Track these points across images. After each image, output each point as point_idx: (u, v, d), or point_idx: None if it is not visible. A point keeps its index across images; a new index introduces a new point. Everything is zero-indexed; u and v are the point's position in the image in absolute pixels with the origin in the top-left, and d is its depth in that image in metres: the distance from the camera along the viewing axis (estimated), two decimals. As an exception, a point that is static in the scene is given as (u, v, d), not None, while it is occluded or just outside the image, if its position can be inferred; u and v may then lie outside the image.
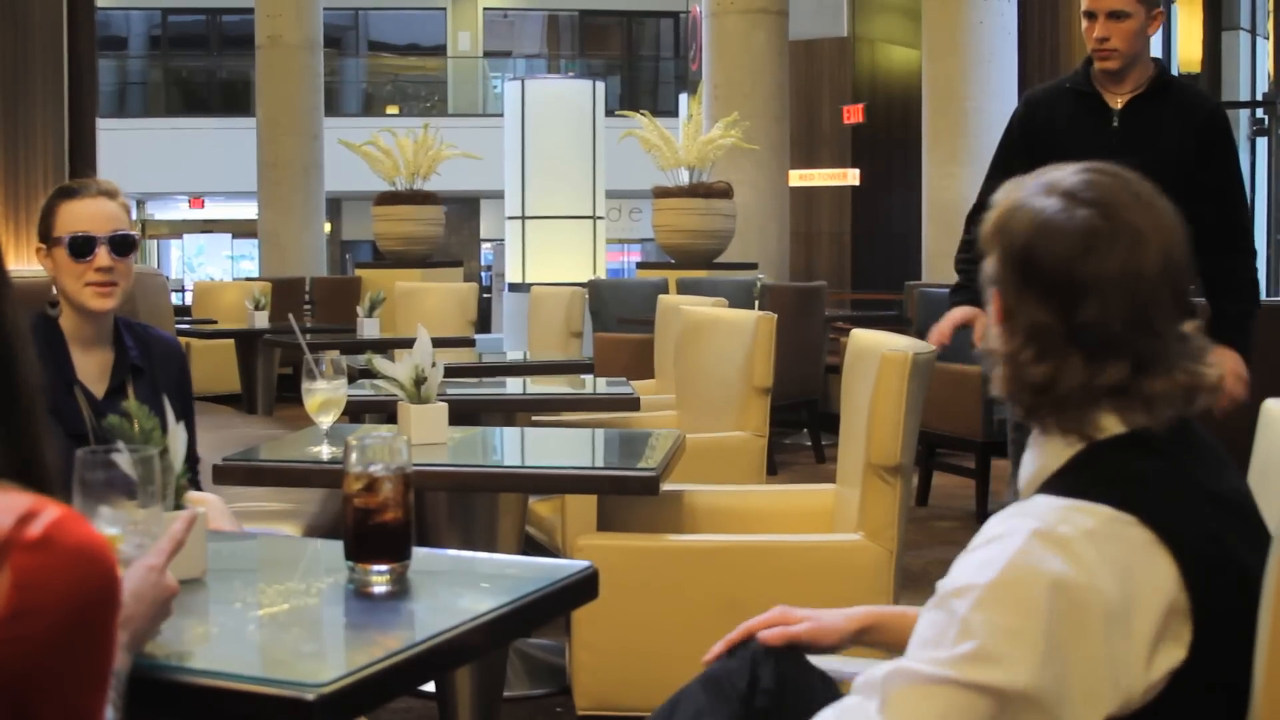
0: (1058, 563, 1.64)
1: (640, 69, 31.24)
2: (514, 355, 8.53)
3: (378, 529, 2.12)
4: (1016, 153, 4.33)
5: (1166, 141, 4.14)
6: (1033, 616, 1.63)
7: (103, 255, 3.14)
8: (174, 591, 1.75)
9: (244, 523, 3.11)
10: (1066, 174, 1.85)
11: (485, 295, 24.24)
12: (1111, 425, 1.77)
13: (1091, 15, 4.18)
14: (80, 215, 3.17)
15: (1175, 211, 1.83)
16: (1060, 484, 1.74)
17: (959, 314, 4.16)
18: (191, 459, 3.23)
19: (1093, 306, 1.73)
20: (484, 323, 22.55)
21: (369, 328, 8.48)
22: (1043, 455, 1.83)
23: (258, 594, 2.17)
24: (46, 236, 3.18)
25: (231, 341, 10.15)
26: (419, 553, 2.18)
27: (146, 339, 3.34)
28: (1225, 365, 3.98)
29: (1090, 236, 1.75)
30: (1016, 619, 1.63)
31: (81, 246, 3.14)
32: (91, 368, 3.22)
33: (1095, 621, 1.64)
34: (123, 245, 3.16)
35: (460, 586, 2.23)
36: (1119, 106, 4.24)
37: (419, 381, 3.57)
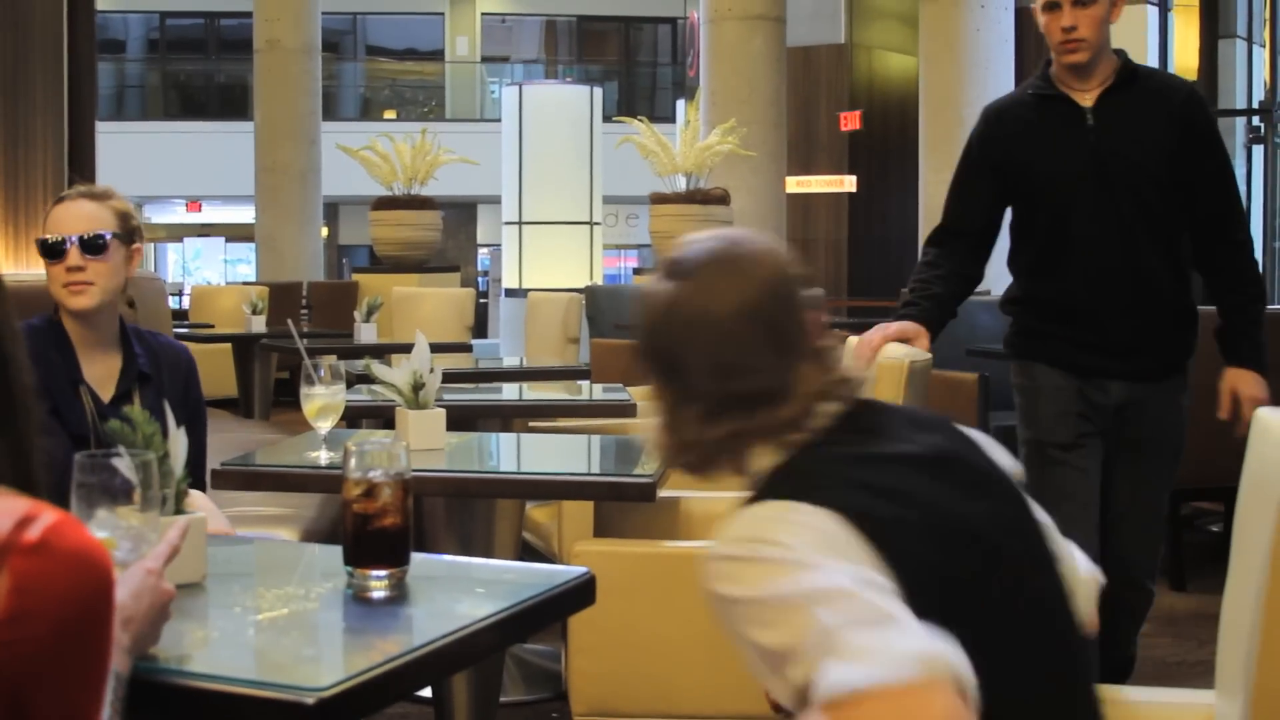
0: (776, 550, 1.62)
1: (638, 75, 31.26)
2: (511, 361, 8.55)
3: (376, 534, 2.13)
4: (978, 172, 4.07)
5: (1147, 132, 3.85)
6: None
7: (73, 255, 3.16)
8: (171, 596, 1.76)
9: (242, 527, 3.13)
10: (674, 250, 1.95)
11: (482, 300, 24.25)
12: (766, 457, 1.83)
13: (1054, 5, 3.84)
14: (58, 219, 3.21)
15: (772, 248, 1.89)
16: (745, 506, 1.76)
17: (894, 328, 3.88)
18: (198, 471, 3.25)
19: (685, 371, 1.85)
20: (481, 328, 22.56)
21: (366, 333, 8.49)
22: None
23: (257, 598, 2.18)
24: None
25: (229, 346, 10.14)
26: (417, 558, 2.19)
27: (156, 347, 3.35)
28: (1241, 389, 3.85)
29: (668, 308, 1.87)
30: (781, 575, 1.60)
31: (51, 249, 3.18)
32: (98, 371, 3.23)
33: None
34: (93, 245, 3.18)
35: (458, 592, 2.25)
36: (1090, 104, 3.90)
37: (417, 387, 3.59)
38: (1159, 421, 3.93)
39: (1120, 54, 3.94)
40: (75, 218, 3.20)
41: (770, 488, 1.76)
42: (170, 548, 1.80)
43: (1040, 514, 1.90)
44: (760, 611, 1.59)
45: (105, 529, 1.77)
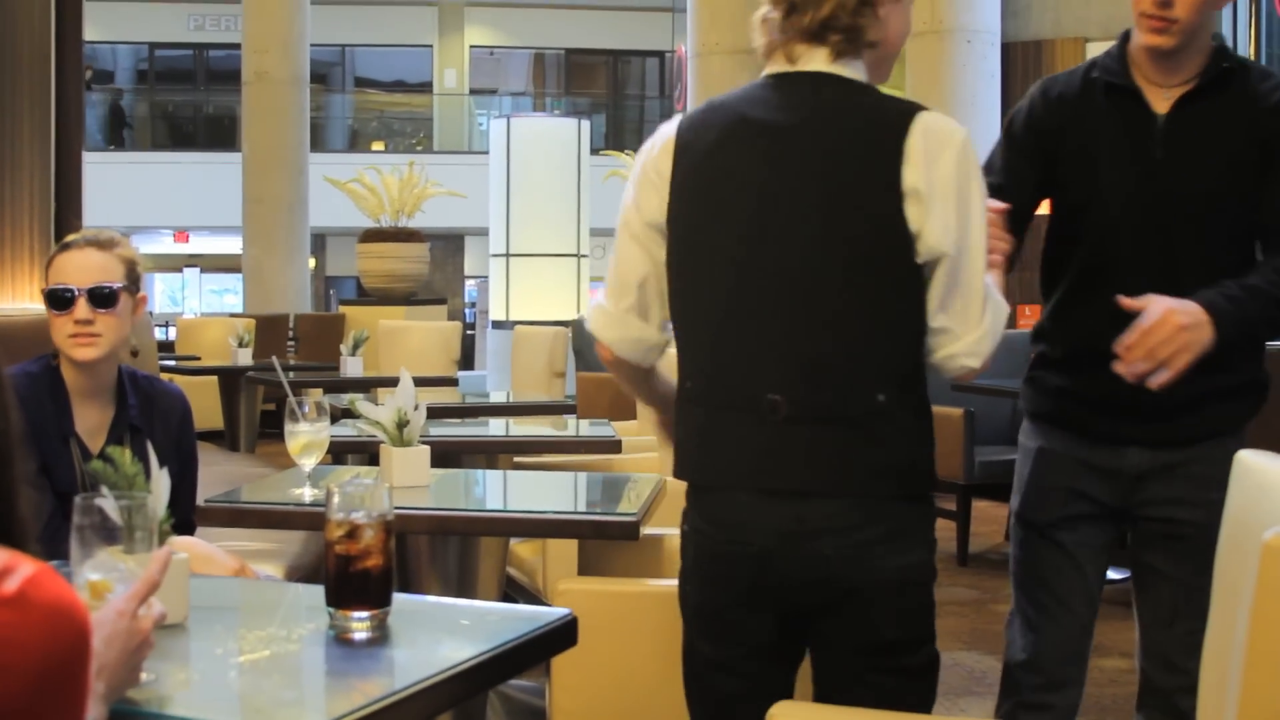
0: None
1: (626, 107, 31.34)
2: (497, 395, 8.55)
3: (359, 576, 2.13)
4: (1021, 155, 3.25)
5: (1220, 151, 3.03)
6: None
7: (81, 307, 3.15)
8: (145, 636, 1.75)
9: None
10: None
11: (469, 332, 24.25)
12: None
13: None
14: (64, 268, 3.19)
15: None
16: None
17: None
18: (188, 514, 3.25)
19: None
20: (468, 359, 22.56)
21: (352, 366, 8.49)
22: None
23: (239, 640, 2.18)
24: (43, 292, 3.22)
25: (215, 378, 10.14)
26: (399, 599, 2.19)
27: (151, 394, 3.35)
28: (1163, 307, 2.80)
29: None
30: None
31: (58, 299, 3.16)
32: (90, 421, 3.23)
33: None
34: (101, 298, 3.17)
35: (440, 633, 2.25)
36: (1165, 109, 3.07)
37: (401, 424, 3.59)
38: (1197, 496, 3.02)
39: (1217, 42, 3.11)
40: (83, 268, 3.19)
41: None
42: (148, 585, 1.77)
43: None
44: None
45: (101, 571, 1.77)
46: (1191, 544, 3.02)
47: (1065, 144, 3.17)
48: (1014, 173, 3.24)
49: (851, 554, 2.40)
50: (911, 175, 2.39)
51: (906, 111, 2.45)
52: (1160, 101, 3.08)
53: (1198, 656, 2.79)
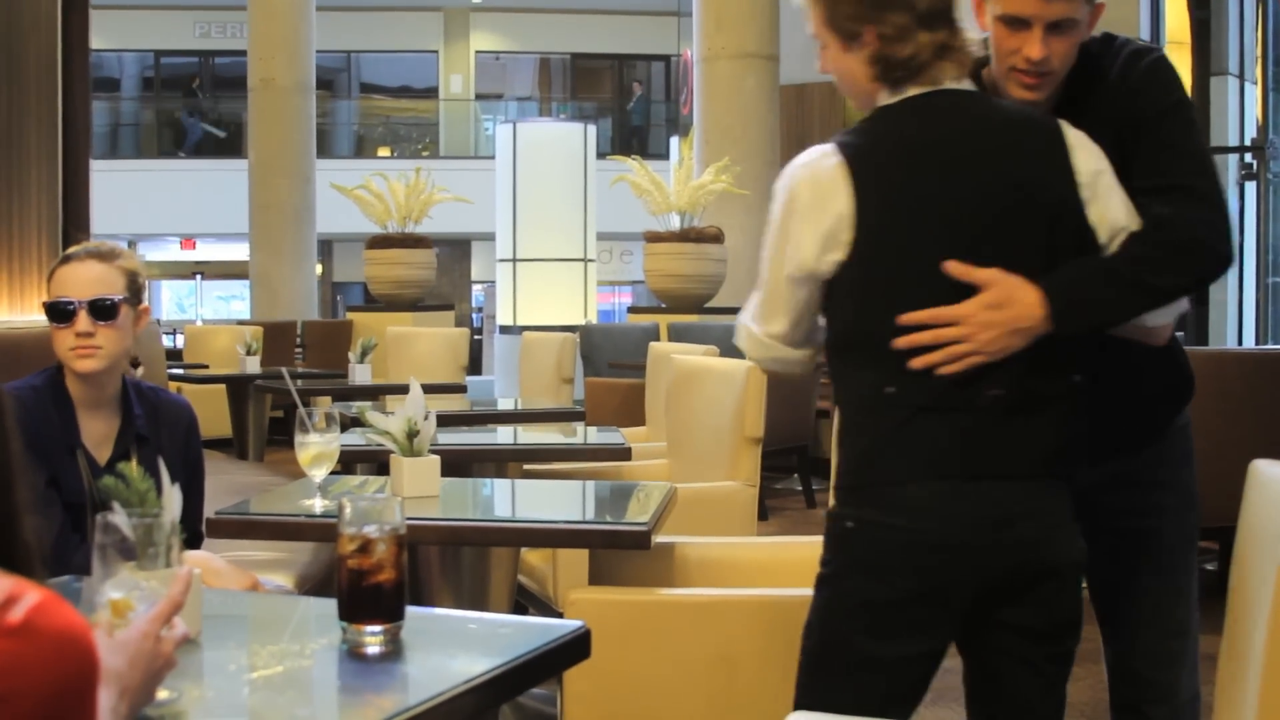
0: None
1: (631, 112, 31.33)
2: (505, 402, 8.54)
3: (372, 590, 2.13)
4: None
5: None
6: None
7: (82, 320, 3.14)
8: (167, 657, 1.74)
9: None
10: None
11: (476, 337, 24.25)
12: None
13: (1020, 23, 2.72)
14: (65, 280, 3.19)
15: None
16: None
17: None
18: (196, 525, 3.24)
19: None
20: (475, 365, 22.57)
21: (361, 374, 8.49)
22: None
23: (252, 655, 2.17)
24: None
25: (223, 387, 10.14)
26: (412, 612, 2.19)
27: (156, 404, 3.35)
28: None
29: None
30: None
31: (59, 312, 3.16)
32: (97, 432, 3.23)
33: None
34: (102, 310, 3.16)
35: (453, 647, 2.24)
36: None
37: (411, 434, 3.58)
38: (1145, 503, 3.00)
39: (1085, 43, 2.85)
40: (84, 280, 3.18)
41: None
42: (172, 605, 1.76)
43: None
44: None
45: (122, 589, 1.77)
46: (1146, 551, 3.00)
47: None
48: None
49: (1048, 535, 2.54)
50: (1081, 163, 2.59)
51: (1036, 111, 2.72)
52: None
53: (1166, 667, 2.98)
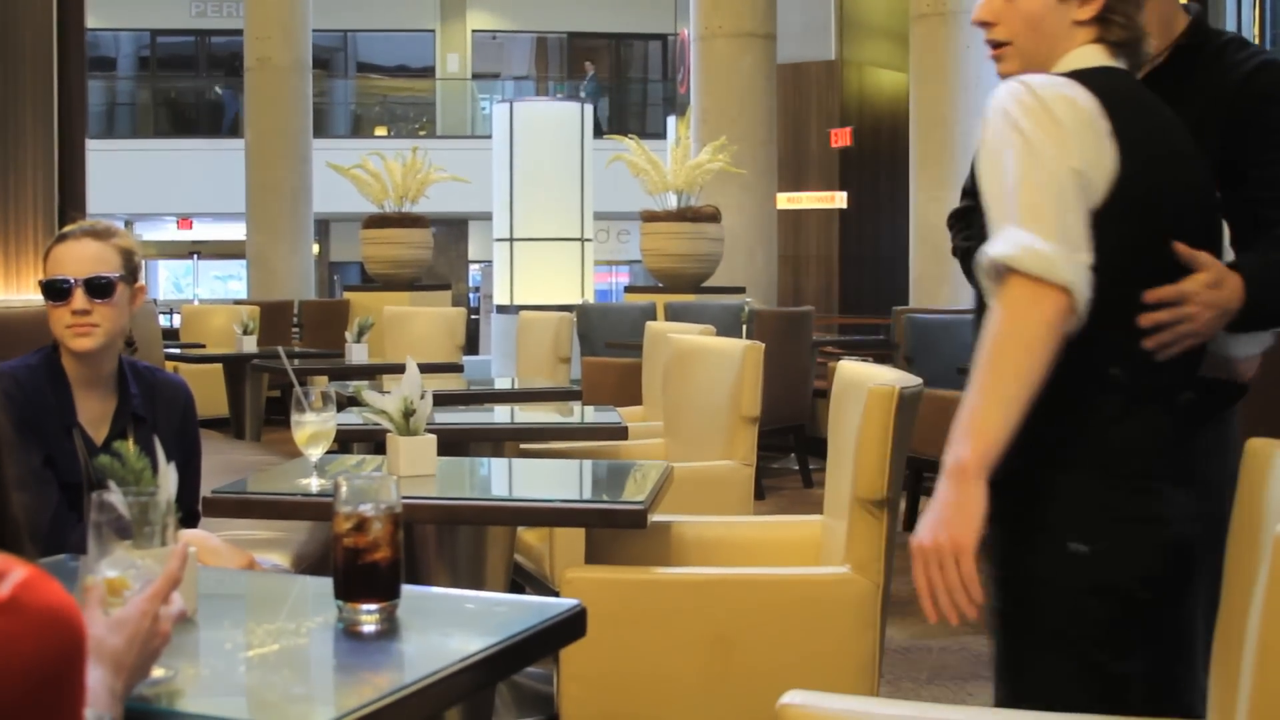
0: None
1: (629, 91, 31.29)
2: (502, 381, 8.55)
3: (367, 568, 2.13)
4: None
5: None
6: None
7: (78, 298, 3.14)
8: (164, 635, 1.74)
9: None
10: None
11: (473, 316, 24.23)
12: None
13: None
14: (61, 259, 3.19)
15: None
16: None
17: None
18: (193, 505, 3.25)
19: None
20: (472, 344, 22.58)
21: (357, 353, 8.49)
22: None
23: (247, 634, 2.17)
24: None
25: (220, 366, 10.14)
26: (408, 591, 2.19)
27: (153, 383, 3.35)
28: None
29: None
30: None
31: (56, 290, 3.16)
32: (93, 412, 3.23)
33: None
34: (98, 288, 3.16)
35: (449, 626, 2.25)
36: None
37: (408, 414, 3.58)
38: None
39: (1190, 21, 2.96)
40: (79, 258, 3.18)
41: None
42: (169, 581, 1.75)
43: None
44: None
45: (118, 568, 1.77)
46: None
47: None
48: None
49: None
50: None
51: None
52: None
53: None
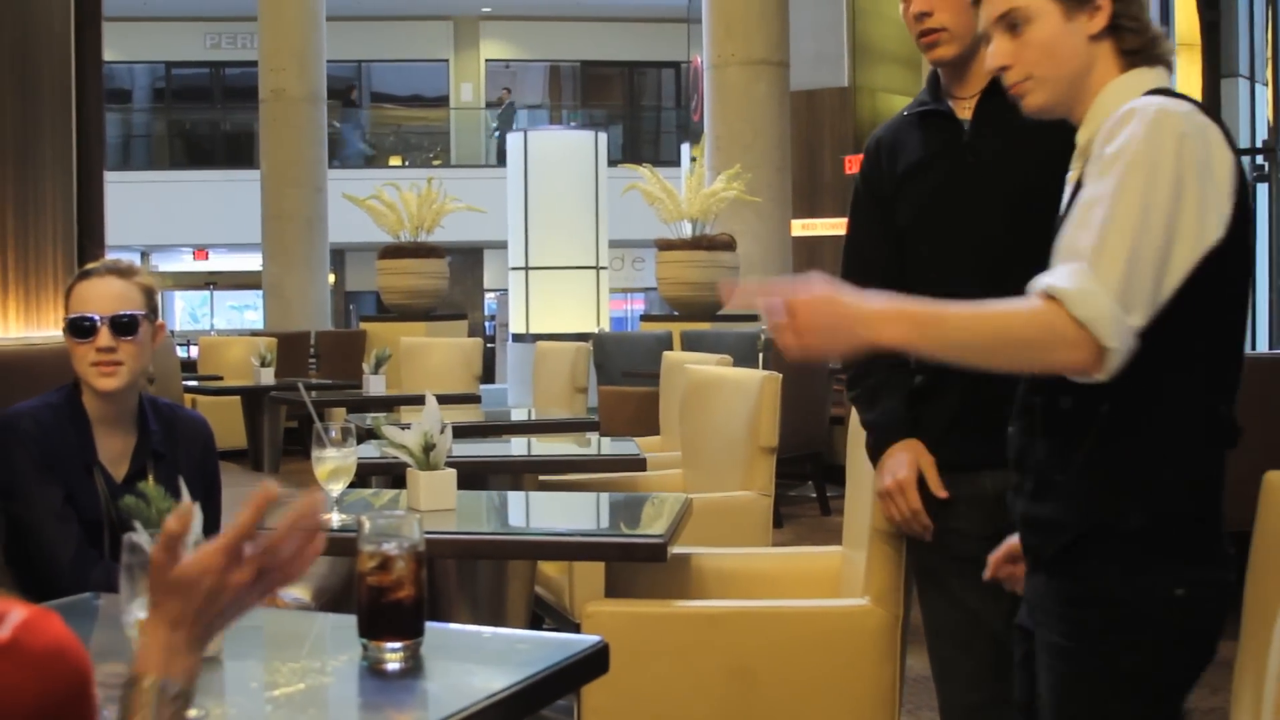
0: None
1: (642, 119, 31.35)
2: (519, 412, 8.56)
3: (391, 607, 2.14)
4: (869, 216, 3.19)
5: (1029, 146, 2.85)
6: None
7: (104, 336, 3.16)
8: (239, 585, 1.57)
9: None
10: None
11: (489, 345, 24.28)
12: None
13: None
14: (85, 296, 3.20)
15: None
16: None
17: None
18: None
19: None
20: (488, 372, 22.61)
21: (375, 384, 8.51)
22: None
23: (273, 673, 2.18)
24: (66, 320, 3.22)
25: (238, 398, 10.17)
26: (431, 628, 2.20)
27: (173, 420, 3.36)
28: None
29: None
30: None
31: (81, 328, 3.17)
32: (113, 449, 3.24)
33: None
34: (123, 326, 3.18)
35: (473, 663, 2.25)
36: (968, 115, 3.00)
37: (428, 448, 3.59)
38: None
39: None
40: (104, 296, 3.20)
41: None
42: (238, 532, 1.57)
43: None
44: None
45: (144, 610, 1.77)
46: None
47: (896, 184, 3.09)
48: (876, 243, 3.15)
49: None
50: None
51: None
52: (963, 109, 3.01)
53: None
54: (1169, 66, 2.34)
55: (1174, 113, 2.14)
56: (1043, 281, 2.12)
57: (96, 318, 3.17)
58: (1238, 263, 2.18)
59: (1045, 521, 2.24)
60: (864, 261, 3.15)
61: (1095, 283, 2.07)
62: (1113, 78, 2.30)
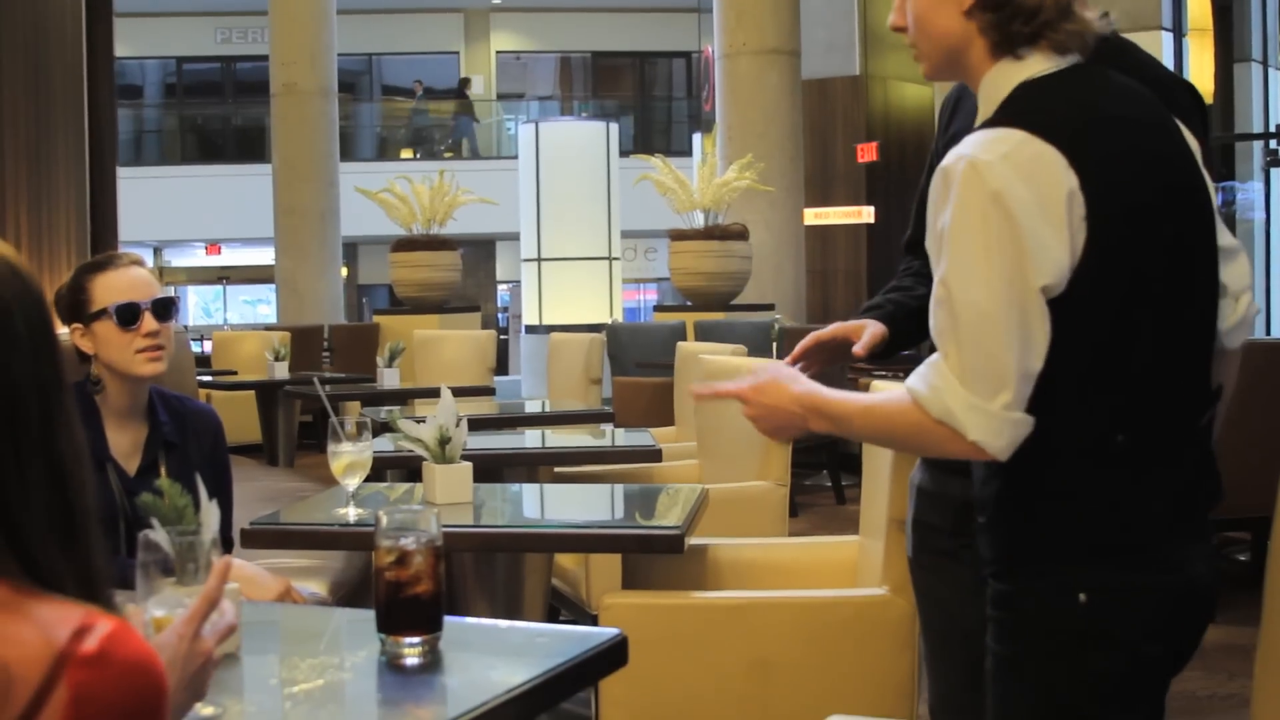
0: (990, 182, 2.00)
1: (653, 109, 31.33)
2: (533, 404, 8.55)
3: (409, 601, 2.13)
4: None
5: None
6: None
7: (149, 320, 3.17)
8: (206, 654, 1.65)
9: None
10: None
11: (502, 336, 24.28)
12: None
13: None
14: (118, 286, 3.20)
15: None
16: None
17: (829, 329, 2.84)
18: (226, 533, 3.26)
19: None
20: (501, 364, 22.62)
21: (389, 378, 8.52)
22: None
23: (291, 669, 2.18)
24: (82, 314, 3.20)
25: (252, 392, 10.18)
26: (449, 622, 2.19)
27: (182, 411, 3.36)
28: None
29: None
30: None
31: (129, 314, 3.17)
32: (125, 443, 3.24)
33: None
34: (163, 310, 3.20)
35: (492, 657, 2.24)
36: None
37: (443, 441, 3.59)
38: None
39: None
40: (141, 283, 3.21)
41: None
42: (207, 602, 1.66)
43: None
44: None
45: (165, 606, 1.77)
46: None
47: (947, 145, 2.71)
48: None
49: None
50: None
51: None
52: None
53: None
54: (1065, 47, 2.15)
55: (982, 168, 2.02)
56: (910, 379, 2.08)
57: (140, 303, 3.18)
58: (1115, 281, 2.05)
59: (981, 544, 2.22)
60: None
61: (946, 378, 2.03)
62: (988, 63, 2.18)
